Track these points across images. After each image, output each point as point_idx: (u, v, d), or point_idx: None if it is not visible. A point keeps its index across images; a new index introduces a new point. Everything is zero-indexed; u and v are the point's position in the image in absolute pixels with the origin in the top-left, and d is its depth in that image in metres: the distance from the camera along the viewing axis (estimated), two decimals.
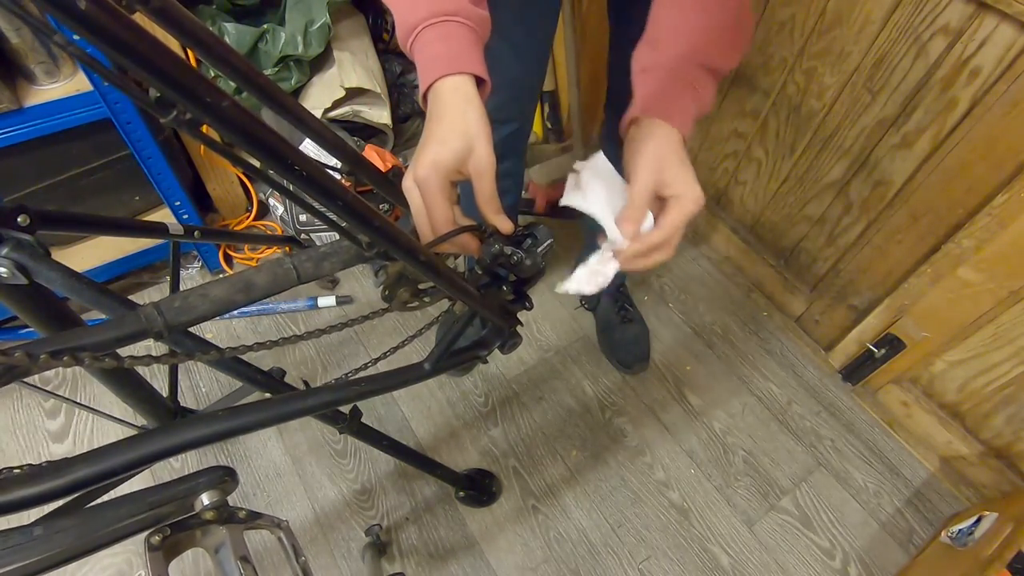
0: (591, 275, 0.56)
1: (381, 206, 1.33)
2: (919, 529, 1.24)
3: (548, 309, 1.52)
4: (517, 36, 0.89)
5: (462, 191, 0.56)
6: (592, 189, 0.58)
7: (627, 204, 0.55)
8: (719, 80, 0.59)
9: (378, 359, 0.71)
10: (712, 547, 1.19)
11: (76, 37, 0.30)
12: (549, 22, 0.94)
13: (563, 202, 0.58)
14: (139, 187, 1.31)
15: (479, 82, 0.53)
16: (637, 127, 0.57)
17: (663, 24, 0.59)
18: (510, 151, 1.09)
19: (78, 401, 1.23)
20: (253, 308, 1.44)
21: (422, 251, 0.49)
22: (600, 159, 0.61)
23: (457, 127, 0.51)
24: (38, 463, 0.44)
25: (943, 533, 1.16)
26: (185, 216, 1.34)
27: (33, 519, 0.43)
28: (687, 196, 0.54)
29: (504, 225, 0.54)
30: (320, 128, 0.60)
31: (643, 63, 0.59)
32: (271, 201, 1.53)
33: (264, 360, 1.33)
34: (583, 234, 1.46)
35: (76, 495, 0.46)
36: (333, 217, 0.44)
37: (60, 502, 0.48)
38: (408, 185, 0.53)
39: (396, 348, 0.72)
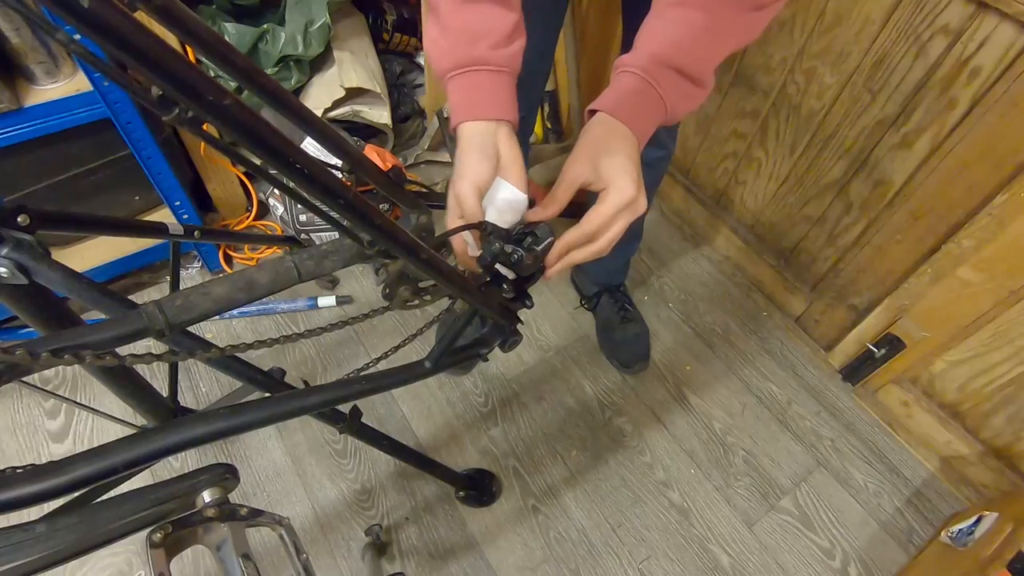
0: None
1: (382, 205, 1.33)
2: (919, 529, 1.24)
3: (548, 309, 1.52)
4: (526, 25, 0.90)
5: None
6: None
7: (551, 191, 0.57)
8: (700, 86, 0.59)
9: (379, 359, 0.71)
10: (712, 547, 1.19)
11: (79, 35, 0.30)
12: (558, 11, 0.94)
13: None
14: (139, 187, 1.31)
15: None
16: (591, 119, 0.58)
17: (643, 29, 0.60)
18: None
19: (78, 401, 1.23)
20: (253, 308, 1.44)
21: (423, 249, 0.49)
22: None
23: (466, 168, 0.57)
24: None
25: (943, 533, 1.16)
26: (185, 216, 1.34)
27: (35, 517, 0.43)
28: (614, 188, 0.54)
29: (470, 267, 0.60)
30: (322, 127, 0.60)
31: (618, 62, 0.60)
32: (271, 201, 1.53)
33: (264, 360, 1.33)
34: None
35: (78, 493, 0.46)
36: (334, 215, 0.44)
37: (62, 500, 0.48)
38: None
39: (398, 347, 0.72)
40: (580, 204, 0.59)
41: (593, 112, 0.59)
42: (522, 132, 1.10)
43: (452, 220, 0.59)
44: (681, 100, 0.59)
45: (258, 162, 0.40)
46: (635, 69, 0.58)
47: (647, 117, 0.58)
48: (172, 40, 0.95)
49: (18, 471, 0.40)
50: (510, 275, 0.60)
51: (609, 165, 0.55)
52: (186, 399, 1.28)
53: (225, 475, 0.48)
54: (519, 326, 0.72)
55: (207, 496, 0.47)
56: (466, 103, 0.58)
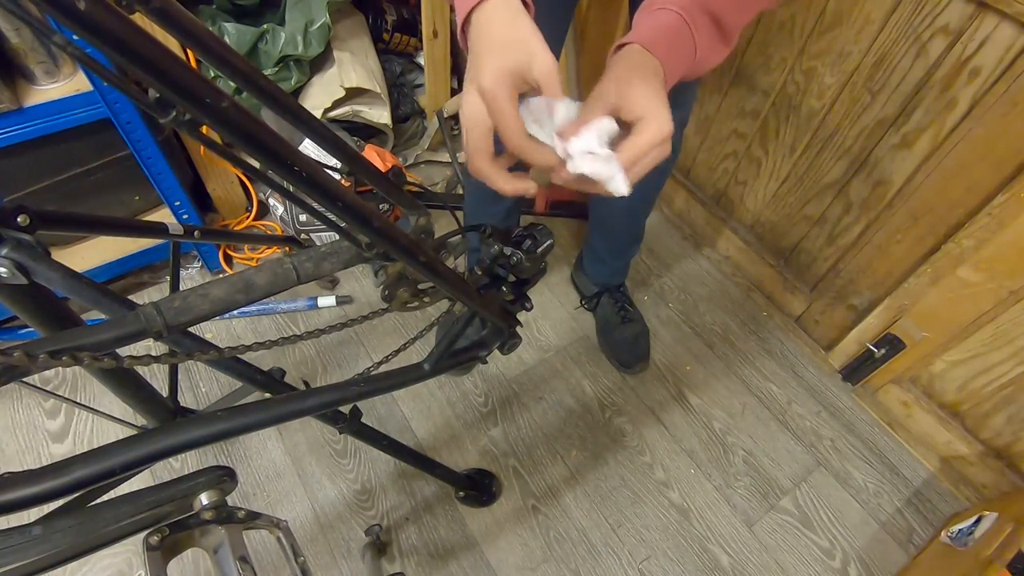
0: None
1: (381, 206, 1.33)
2: (919, 529, 1.24)
3: (548, 309, 1.52)
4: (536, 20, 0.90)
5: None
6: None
7: (579, 114, 0.49)
8: (726, 38, 0.56)
9: (380, 363, 0.71)
10: (712, 547, 1.19)
11: (75, 37, 0.30)
12: (566, 16, 0.94)
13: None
14: (139, 187, 1.31)
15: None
16: (618, 52, 0.53)
17: None
18: None
19: (78, 401, 1.23)
20: (253, 308, 1.44)
21: (422, 252, 0.49)
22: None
23: (511, 35, 0.47)
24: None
25: (943, 533, 1.16)
26: (185, 216, 1.34)
27: (33, 519, 0.43)
28: (652, 120, 0.47)
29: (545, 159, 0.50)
30: (320, 128, 0.60)
31: (646, 2, 0.56)
32: (271, 201, 1.53)
33: (264, 360, 1.33)
34: (584, 233, 1.46)
35: (75, 495, 0.46)
36: (333, 218, 0.44)
37: (60, 502, 0.48)
38: (469, 107, 0.48)
39: (398, 351, 0.72)
40: (582, 204, 0.59)
41: (620, 48, 0.53)
42: None
43: (478, 140, 0.48)
44: (709, 50, 0.55)
45: (256, 165, 0.40)
46: (675, 7, 0.53)
47: (678, 60, 0.53)
48: (172, 43, 0.95)
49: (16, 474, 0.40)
50: (509, 277, 0.60)
51: (645, 95, 0.48)
52: (186, 399, 1.29)
53: (223, 477, 0.48)
54: (518, 328, 0.72)
55: (204, 499, 0.47)
56: None
